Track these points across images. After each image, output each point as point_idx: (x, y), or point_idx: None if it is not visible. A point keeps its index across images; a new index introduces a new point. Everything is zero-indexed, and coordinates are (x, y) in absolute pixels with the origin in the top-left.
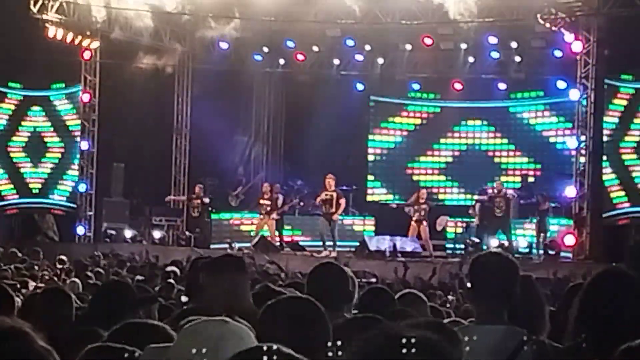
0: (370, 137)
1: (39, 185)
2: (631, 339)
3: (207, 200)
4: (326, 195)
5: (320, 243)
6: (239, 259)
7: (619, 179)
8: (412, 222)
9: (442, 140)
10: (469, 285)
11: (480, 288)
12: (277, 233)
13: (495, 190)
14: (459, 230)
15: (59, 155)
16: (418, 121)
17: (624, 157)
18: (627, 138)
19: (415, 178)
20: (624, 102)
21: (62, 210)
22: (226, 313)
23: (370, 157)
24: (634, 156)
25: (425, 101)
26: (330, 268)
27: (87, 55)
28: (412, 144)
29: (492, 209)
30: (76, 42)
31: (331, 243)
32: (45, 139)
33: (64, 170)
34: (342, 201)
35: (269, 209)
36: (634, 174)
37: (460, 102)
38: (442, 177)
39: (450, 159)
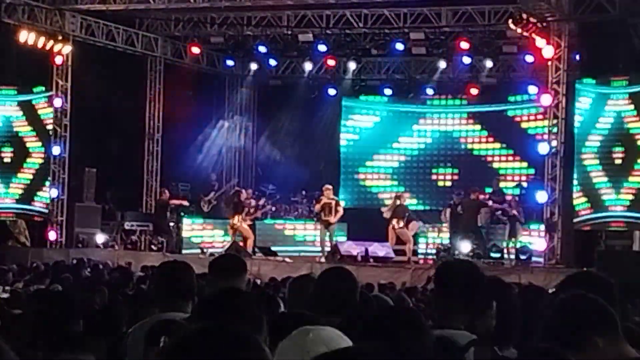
0: (342, 142)
1: (20, 191)
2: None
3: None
4: (326, 202)
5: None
6: (239, 260)
7: (580, 185)
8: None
9: (395, 145)
10: (432, 290)
11: (441, 293)
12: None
13: (456, 200)
14: (432, 235)
15: (41, 161)
16: (370, 124)
17: (585, 162)
18: (588, 143)
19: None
20: (586, 107)
21: (41, 216)
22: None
23: (343, 162)
24: (596, 162)
25: (394, 105)
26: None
27: (58, 60)
28: (366, 148)
29: (461, 214)
30: (48, 47)
31: (328, 248)
32: (27, 144)
33: (45, 176)
34: (340, 208)
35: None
36: (595, 180)
37: (428, 107)
38: (390, 182)
39: (397, 164)
